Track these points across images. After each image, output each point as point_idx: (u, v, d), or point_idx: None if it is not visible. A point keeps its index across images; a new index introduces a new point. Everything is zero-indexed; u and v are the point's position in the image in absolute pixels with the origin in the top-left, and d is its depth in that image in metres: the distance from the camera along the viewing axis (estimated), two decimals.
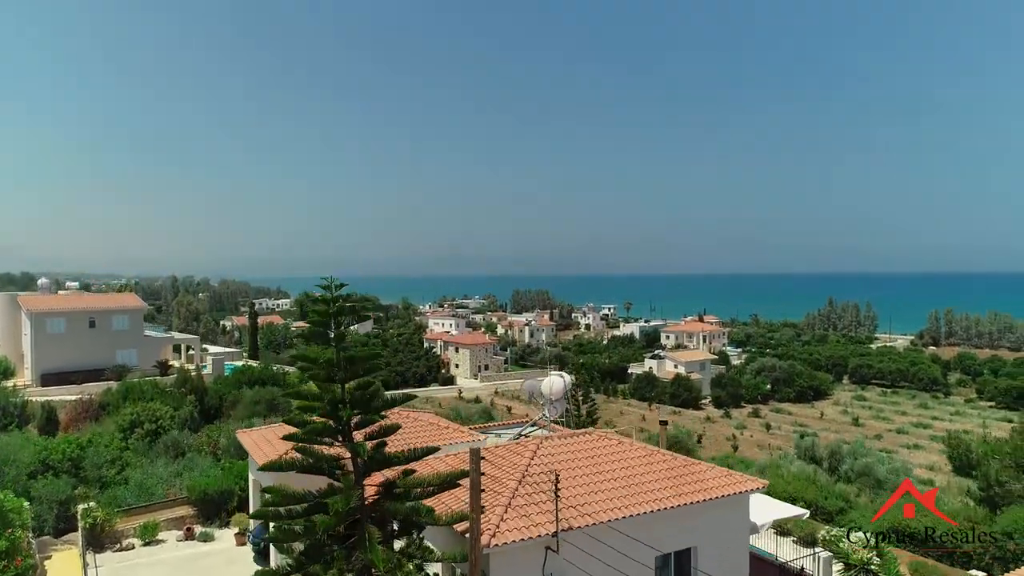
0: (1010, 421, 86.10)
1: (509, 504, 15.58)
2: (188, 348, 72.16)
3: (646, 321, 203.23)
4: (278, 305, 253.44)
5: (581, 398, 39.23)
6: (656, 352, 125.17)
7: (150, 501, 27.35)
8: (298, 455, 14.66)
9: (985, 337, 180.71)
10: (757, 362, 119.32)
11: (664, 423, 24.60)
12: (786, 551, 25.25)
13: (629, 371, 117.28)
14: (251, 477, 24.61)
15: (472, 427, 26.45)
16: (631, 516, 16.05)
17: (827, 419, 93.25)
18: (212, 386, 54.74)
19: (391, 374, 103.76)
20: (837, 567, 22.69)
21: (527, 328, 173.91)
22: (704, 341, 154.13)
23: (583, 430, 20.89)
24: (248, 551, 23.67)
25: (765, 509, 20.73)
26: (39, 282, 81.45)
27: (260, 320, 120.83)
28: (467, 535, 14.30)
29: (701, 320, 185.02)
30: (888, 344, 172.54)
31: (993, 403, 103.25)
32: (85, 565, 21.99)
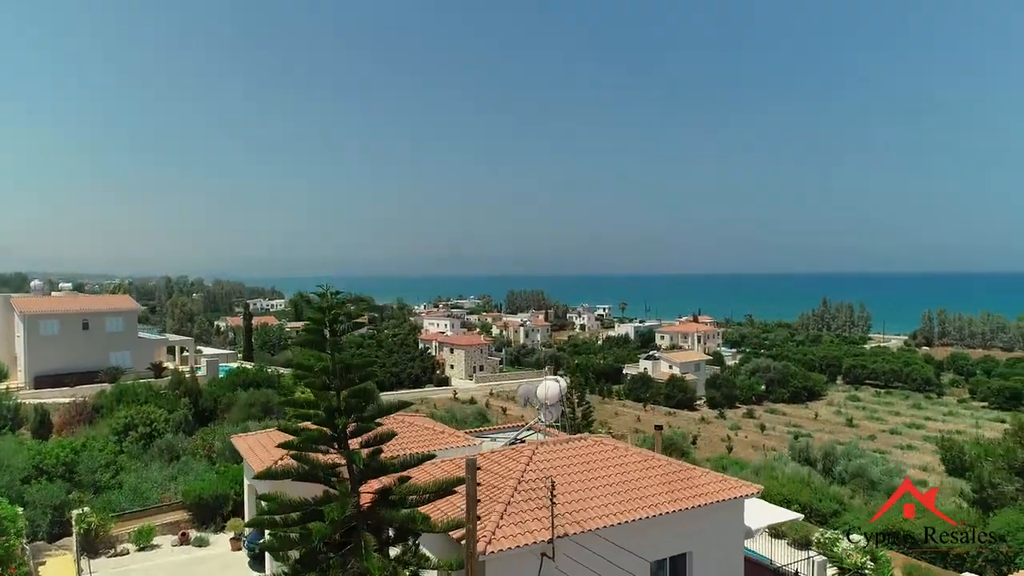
0: (1003, 421, 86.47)
1: (505, 511, 15.59)
2: (182, 350, 71.96)
3: (641, 321, 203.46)
4: (273, 305, 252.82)
5: (576, 400, 39.27)
6: (651, 353, 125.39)
7: (145, 506, 27.28)
8: (294, 463, 14.68)
9: (978, 337, 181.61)
10: (751, 363, 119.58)
11: (659, 428, 24.69)
12: (781, 554, 25.36)
13: (624, 372, 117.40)
14: (246, 482, 24.57)
15: (467, 431, 26.50)
16: (626, 522, 16.10)
17: (821, 420, 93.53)
18: (206, 388, 54.59)
19: (386, 375, 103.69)
20: (831, 571, 22.79)
21: (522, 329, 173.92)
22: (699, 341, 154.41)
23: (579, 435, 20.93)
24: (243, 556, 23.62)
25: (760, 513, 20.80)
26: (32, 284, 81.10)
27: (255, 321, 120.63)
28: (463, 542, 14.33)
29: (696, 320, 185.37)
30: (882, 344, 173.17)
31: (986, 403, 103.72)
32: (80, 571, 21.93)
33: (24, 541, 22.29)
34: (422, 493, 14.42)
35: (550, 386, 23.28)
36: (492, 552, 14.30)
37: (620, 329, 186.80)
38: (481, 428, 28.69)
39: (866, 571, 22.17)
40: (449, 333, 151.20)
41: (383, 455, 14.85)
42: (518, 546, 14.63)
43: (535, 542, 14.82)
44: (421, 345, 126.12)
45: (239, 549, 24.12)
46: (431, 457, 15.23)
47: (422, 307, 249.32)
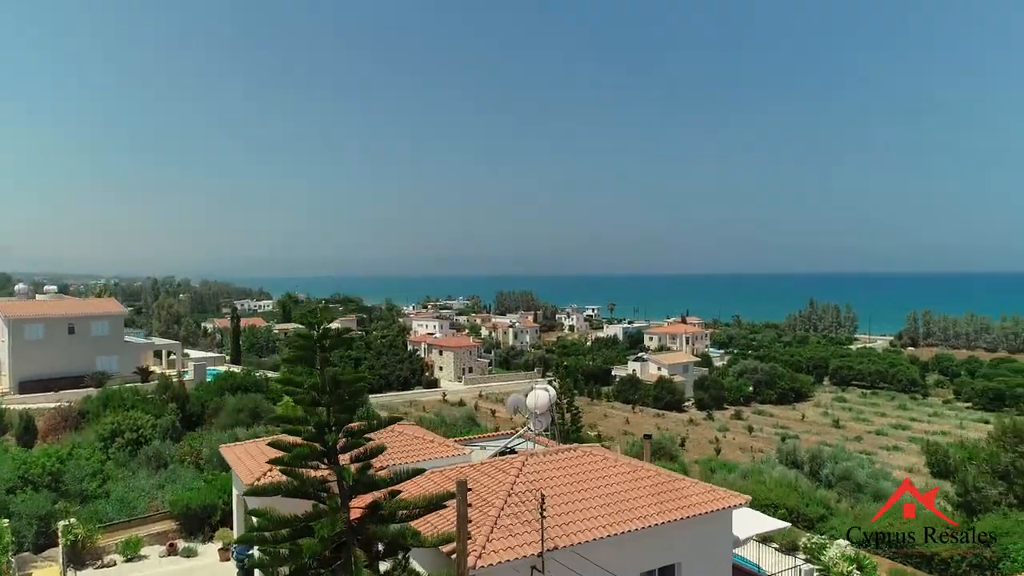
0: (986, 422, 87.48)
1: (495, 524, 15.63)
2: (169, 354, 71.51)
3: (629, 322, 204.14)
4: (260, 306, 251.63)
5: (566, 405, 39.37)
6: (639, 355, 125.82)
7: (132, 516, 27.08)
8: (284, 478, 14.66)
9: (962, 338, 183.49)
10: (739, 364, 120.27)
11: (648, 437, 24.77)
12: (768, 559, 25.55)
13: (613, 373, 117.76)
14: (235, 492, 24.45)
15: (457, 440, 26.49)
16: (616, 535, 16.19)
17: (808, 421, 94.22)
18: (194, 393, 54.29)
19: (375, 377, 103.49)
20: None
21: (511, 330, 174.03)
22: (687, 342, 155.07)
23: (568, 446, 21.01)
24: (232, 567, 23.49)
25: (748, 522, 20.95)
26: (16, 287, 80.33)
27: (242, 322, 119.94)
28: (453, 556, 14.37)
29: (684, 321, 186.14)
30: (868, 345, 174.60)
31: (970, 404, 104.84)
32: None
33: (10, 554, 22.10)
34: (412, 508, 14.44)
35: (539, 395, 23.33)
36: (482, 567, 14.34)
37: (609, 330, 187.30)
38: (470, 436, 28.70)
39: None
40: (438, 335, 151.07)
41: (373, 467, 14.89)
42: (508, 560, 14.68)
43: (525, 556, 14.88)
44: (410, 347, 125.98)
45: (228, 559, 23.99)
46: (420, 471, 15.24)
47: (411, 308, 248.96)
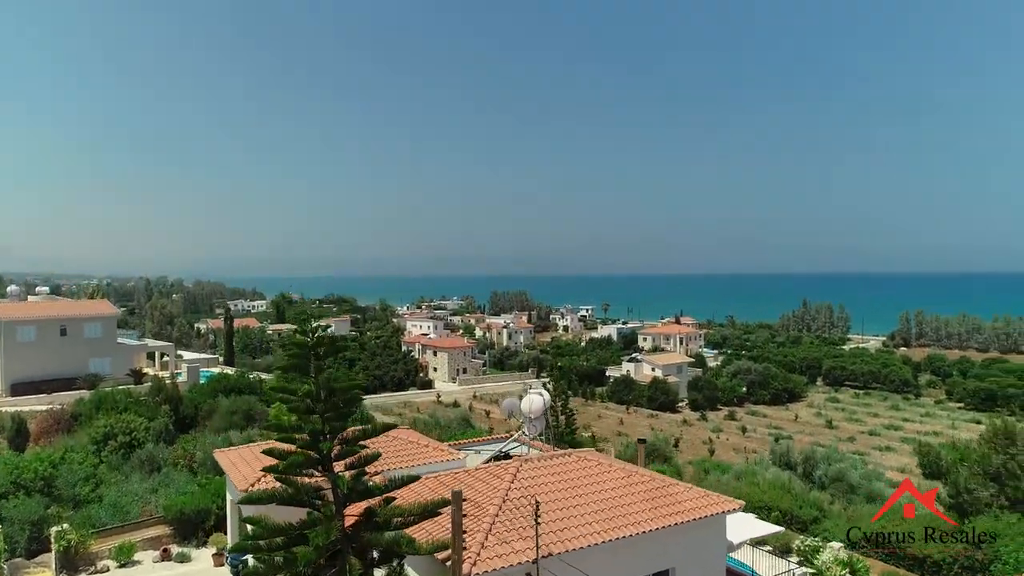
0: (978, 422, 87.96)
1: (489, 530, 15.66)
2: (162, 355, 71.22)
3: (624, 323, 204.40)
4: (254, 307, 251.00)
5: (560, 408, 39.42)
6: (633, 355, 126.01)
7: (125, 520, 26.98)
8: (279, 485, 14.64)
9: (955, 338, 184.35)
10: (733, 365, 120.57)
11: (643, 441, 24.84)
12: (762, 562, 25.64)
13: (607, 374, 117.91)
14: (229, 497, 24.41)
15: (451, 444, 26.53)
16: (610, 541, 16.23)
17: (801, 421, 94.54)
18: (187, 395, 54.08)
19: (369, 378, 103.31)
20: None
21: (505, 330, 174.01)
22: (681, 343, 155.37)
23: (563, 451, 21.05)
24: (226, 572, 23.47)
25: (741, 527, 21.04)
26: (8, 289, 79.87)
27: (236, 323, 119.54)
28: (448, 563, 14.38)
29: (678, 322, 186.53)
30: (860, 345, 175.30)
31: (962, 404, 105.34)
32: None
33: (3, 560, 22.01)
34: (407, 515, 14.44)
35: (534, 399, 23.38)
36: (477, 574, 14.37)
37: (603, 330, 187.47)
38: (465, 440, 28.71)
39: None
40: (432, 335, 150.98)
41: (367, 474, 14.90)
42: (503, 567, 14.72)
43: (520, 563, 14.91)
44: (404, 347, 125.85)
45: (222, 565, 23.95)
46: (415, 478, 15.25)
47: (405, 308, 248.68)
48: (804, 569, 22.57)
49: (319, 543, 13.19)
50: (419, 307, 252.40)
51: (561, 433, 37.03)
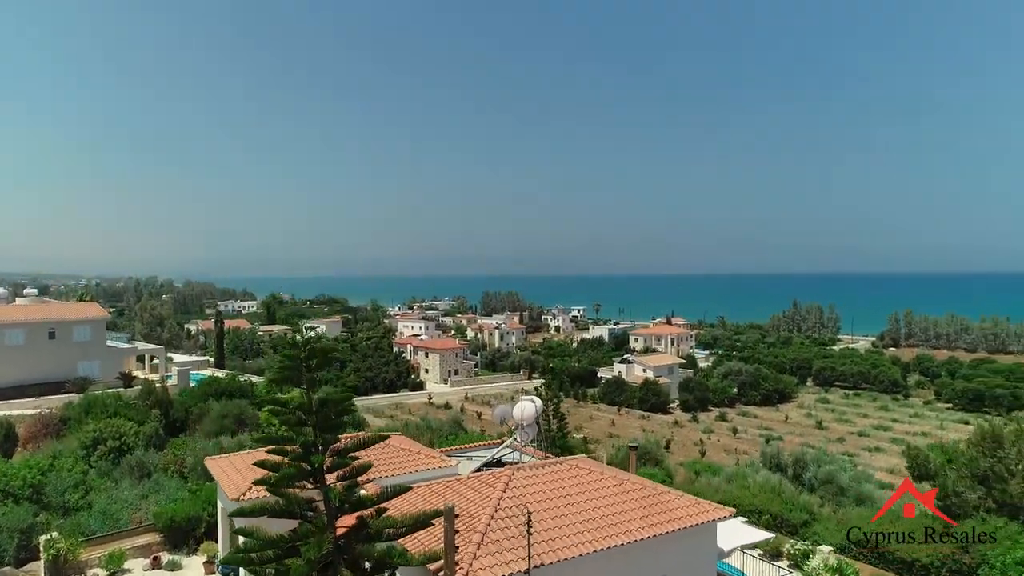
0: (966, 423, 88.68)
1: (482, 541, 15.68)
2: (152, 358, 70.87)
3: (615, 323, 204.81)
4: (244, 307, 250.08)
5: (552, 412, 39.48)
6: (625, 356, 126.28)
7: (116, 528, 26.84)
8: (270, 497, 14.62)
9: (943, 338, 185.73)
10: (724, 366, 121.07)
11: (634, 447, 24.91)
12: (752, 566, 25.80)
13: (599, 375, 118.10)
14: (219, 505, 24.32)
15: (443, 450, 26.53)
16: (602, 550, 16.29)
17: (792, 422, 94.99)
18: (177, 398, 53.81)
19: (360, 380, 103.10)
20: None
21: (497, 331, 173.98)
22: (672, 344, 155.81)
23: (555, 459, 21.09)
24: None
25: (732, 534, 21.15)
26: None
27: (226, 324, 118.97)
28: (440, 573, 14.41)
29: (669, 322, 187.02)
30: (850, 346, 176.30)
31: (950, 405, 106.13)
32: None
33: None
34: (399, 526, 14.46)
35: (526, 406, 23.41)
36: None
37: (595, 331, 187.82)
38: (456, 447, 28.71)
39: None
40: (424, 336, 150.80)
41: (359, 483, 14.89)
42: None
43: (512, 573, 14.94)
44: (396, 349, 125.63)
45: (212, 573, 23.88)
46: (407, 490, 15.27)
47: (396, 308, 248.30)
48: (794, 573, 22.69)
49: (311, 556, 13.18)
50: (411, 308, 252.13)
51: (553, 438, 37.08)
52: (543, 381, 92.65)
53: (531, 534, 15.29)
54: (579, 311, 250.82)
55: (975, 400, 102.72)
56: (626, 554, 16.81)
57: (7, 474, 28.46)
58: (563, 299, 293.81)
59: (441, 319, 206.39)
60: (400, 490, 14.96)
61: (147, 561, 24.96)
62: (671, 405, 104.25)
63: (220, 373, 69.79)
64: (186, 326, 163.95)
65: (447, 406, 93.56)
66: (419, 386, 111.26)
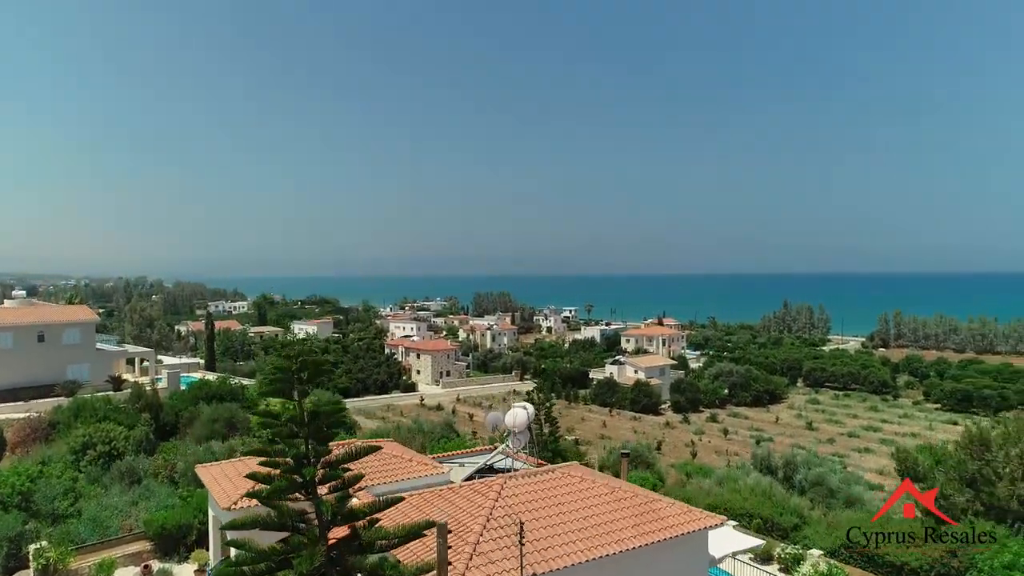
0: (955, 423, 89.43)
1: (474, 551, 15.72)
2: (142, 361, 70.50)
3: (607, 324, 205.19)
4: (235, 308, 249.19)
5: (543, 417, 39.57)
6: (617, 358, 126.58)
7: (106, 535, 26.70)
8: (262, 509, 14.59)
9: (932, 339, 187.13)
10: (715, 366, 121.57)
11: (626, 454, 25.01)
12: (742, 571, 25.98)
13: (590, 376, 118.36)
14: (211, 512, 24.24)
15: (435, 456, 26.54)
16: (594, 559, 16.35)
17: (782, 423, 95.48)
18: (168, 402, 53.58)
19: (352, 381, 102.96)
20: None
21: (489, 332, 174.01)
22: (663, 344, 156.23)
23: (547, 467, 21.13)
24: None
25: (723, 541, 21.26)
26: None
27: (217, 325, 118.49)
28: None
29: (660, 323, 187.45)
30: (840, 346, 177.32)
31: (939, 405, 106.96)
32: None
33: None
34: (391, 538, 14.45)
35: (518, 413, 23.46)
36: None
37: (586, 332, 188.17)
38: (448, 453, 28.72)
39: None
40: (416, 337, 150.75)
41: (351, 493, 14.88)
42: None
43: None
44: (387, 350, 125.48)
45: None
46: (399, 500, 15.24)
47: (388, 309, 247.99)
48: None
49: (303, 570, 13.16)
50: (403, 308, 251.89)
51: (545, 442, 37.17)
52: (535, 385, 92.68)
53: (523, 544, 15.33)
54: (571, 312, 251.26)
55: (963, 401, 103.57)
56: (618, 563, 16.87)
57: None
58: (564, 299, 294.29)
59: (433, 320, 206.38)
60: (393, 501, 14.95)
61: (138, 569, 24.84)
62: (662, 406, 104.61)
63: (211, 376, 69.50)
64: (176, 327, 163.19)
65: (439, 408, 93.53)
66: (411, 387, 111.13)
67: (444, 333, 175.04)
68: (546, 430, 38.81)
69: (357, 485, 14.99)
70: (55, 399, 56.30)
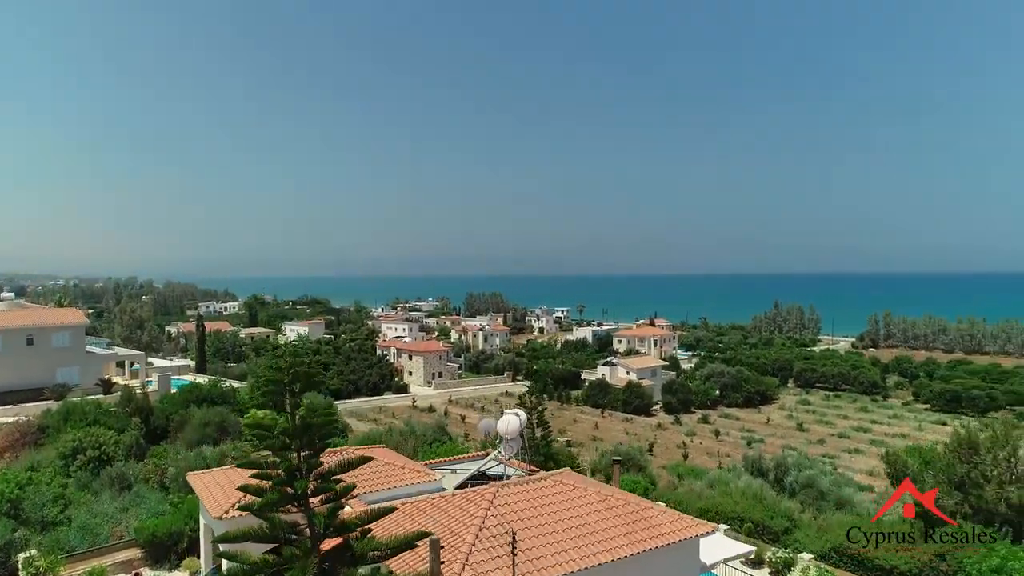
0: (944, 423, 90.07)
1: (466, 561, 15.74)
2: (132, 364, 70.11)
3: (599, 324, 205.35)
4: (225, 308, 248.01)
5: (536, 421, 39.62)
6: (609, 359, 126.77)
7: (96, 543, 26.56)
8: (255, 521, 14.56)
9: (921, 339, 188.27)
10: (706, 367, 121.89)
11: (618, 461, 25.07)
12: (735, 574, 26.12)
13: (583, 377, 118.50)
14: (202, 520, 24.17)
15: (427, 462, 26.53)
16: (587, 568, 16.40)
17: (773, 424, 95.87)
18: (158, 405, 53.22)
19: (344, 383, 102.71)
20: None
21: (481, 333, 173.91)
22: (655, 345, 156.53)
23: (539, 475, 21.17)
24: None
25: (714, 548, 21.36)
26: None
27: (207, 326, 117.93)
28: None
29: (652, 324, 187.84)
30: (831, 347, 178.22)
31: (928, 406, 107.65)
32: None
33: None
34: (383, 549, 14.46)
35: (510, 420, 23.50)
36: None
37: (578, 332, 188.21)
38: (440, 459, 28.73)
39: None
40: (408, 338, 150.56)
41: (344, 502, 14.88)
42: None
43: None
44: (379, 351, 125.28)
45: None
46: (391, 511, 15.28)
47: (380, 309, 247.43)
48: None
49: None
50: (394, 309, 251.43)
51: (537, 446, 37.21)
52: (527, 387, 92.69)
53: (516, 553, 15.37)
54: (563, 312, 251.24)
55: (952, 401, 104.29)
56: (610, 571, 16.93)
57: None
58: (564, 300, 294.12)
59: (425, 320, 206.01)
60: (385, 511, 14.98)
61: None
62: (654, 407, 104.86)
63: (202, 378, 69.19)
64: (167, 328, 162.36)
65: (431, 409, 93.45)
66: (403, 389, 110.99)
67: (436, 334, 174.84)
68: (538, 434, 38.86)
69: (349, 495, 15.01)
70: (44, 403, 55.85)
